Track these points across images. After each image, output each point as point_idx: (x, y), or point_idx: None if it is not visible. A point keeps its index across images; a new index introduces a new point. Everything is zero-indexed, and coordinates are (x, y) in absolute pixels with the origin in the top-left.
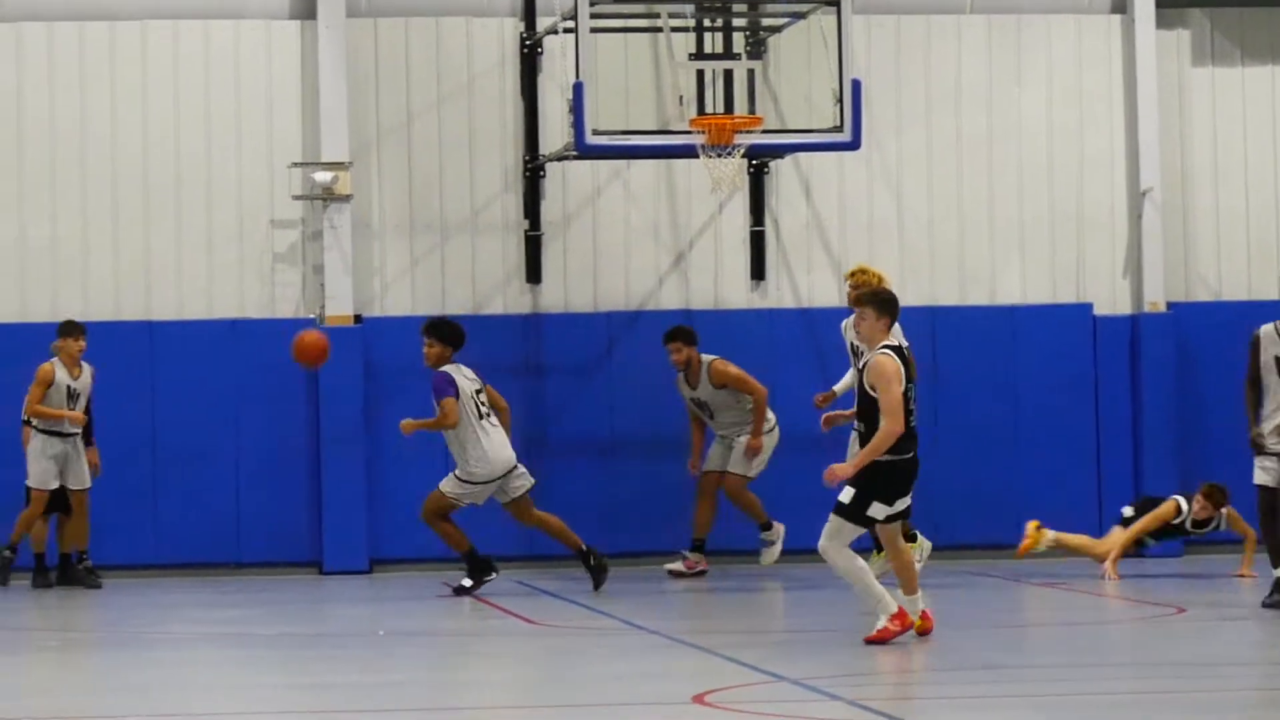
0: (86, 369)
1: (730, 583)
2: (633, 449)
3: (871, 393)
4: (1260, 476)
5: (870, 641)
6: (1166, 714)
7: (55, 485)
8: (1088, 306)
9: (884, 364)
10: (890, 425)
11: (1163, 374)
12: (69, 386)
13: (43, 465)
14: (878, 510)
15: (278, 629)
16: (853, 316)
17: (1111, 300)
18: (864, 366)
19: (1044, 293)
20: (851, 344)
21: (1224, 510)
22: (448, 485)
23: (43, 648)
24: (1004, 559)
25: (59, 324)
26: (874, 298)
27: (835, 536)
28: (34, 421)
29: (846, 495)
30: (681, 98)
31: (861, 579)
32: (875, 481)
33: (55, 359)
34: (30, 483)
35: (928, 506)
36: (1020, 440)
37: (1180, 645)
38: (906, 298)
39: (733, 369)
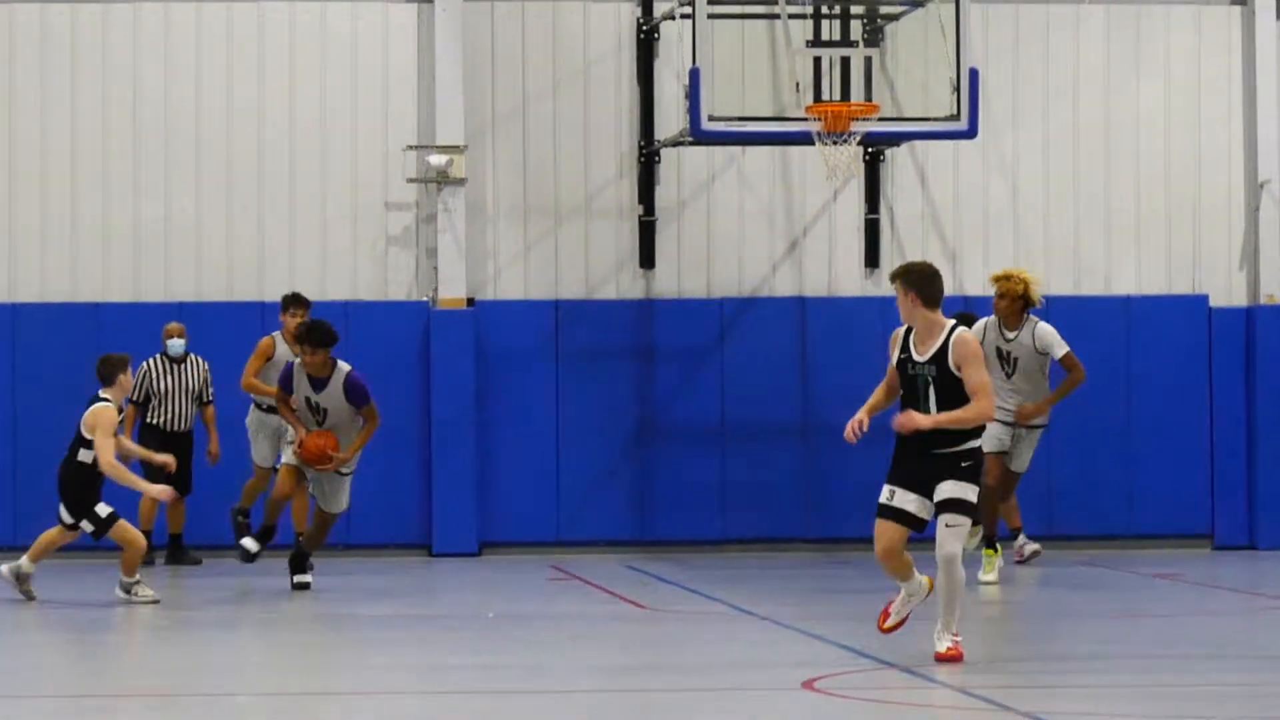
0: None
1: (846, 570)
2: (744, 435)
3: (955, 373)
4: None
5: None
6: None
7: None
8: (1203, 298)
9: (967, 340)
10: (983, 404)
11: (1277, 366)
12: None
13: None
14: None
15: (389, 610)
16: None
17: (1227, 292)
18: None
19: (1159, 284)
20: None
21: None
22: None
23: (156, 626)
24: (1116, 549)
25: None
26: (904, 272)
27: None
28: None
29: (965, 491)
30: (798, 84)
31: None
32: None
33: (278, 333)
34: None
35: (1040, 497)
36: (1133, 431)
37: None
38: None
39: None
